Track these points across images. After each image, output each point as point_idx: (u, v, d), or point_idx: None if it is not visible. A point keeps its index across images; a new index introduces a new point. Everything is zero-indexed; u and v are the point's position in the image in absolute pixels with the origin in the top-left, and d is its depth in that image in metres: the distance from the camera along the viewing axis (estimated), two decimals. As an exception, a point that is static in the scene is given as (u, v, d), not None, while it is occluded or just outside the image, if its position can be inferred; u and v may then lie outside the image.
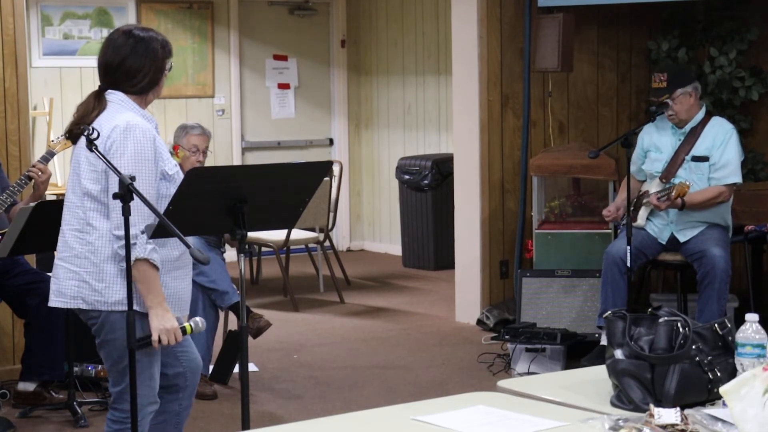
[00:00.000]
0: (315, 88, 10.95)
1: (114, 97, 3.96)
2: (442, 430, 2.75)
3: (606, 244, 6.61)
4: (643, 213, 6.40)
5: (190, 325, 3.86)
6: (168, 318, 3.84)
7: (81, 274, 3.91)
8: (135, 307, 3.81)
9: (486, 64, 7.59)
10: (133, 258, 3.76)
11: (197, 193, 3.80)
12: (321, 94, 11.00)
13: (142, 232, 3.73)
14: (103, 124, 3.89)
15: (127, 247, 3.74)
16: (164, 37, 4.06)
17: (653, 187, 6.40)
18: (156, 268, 3.82)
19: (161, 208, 3.80)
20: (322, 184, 7.51)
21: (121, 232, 3.74)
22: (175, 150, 4.07)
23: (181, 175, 3.95)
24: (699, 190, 6.30)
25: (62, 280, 3.95)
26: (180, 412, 4.14)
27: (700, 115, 6.39)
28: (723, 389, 2.58)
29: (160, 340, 3.84)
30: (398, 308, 8.47)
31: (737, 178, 6.32)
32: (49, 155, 5.76)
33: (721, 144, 6.29)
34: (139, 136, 3.84)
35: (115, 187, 3.75)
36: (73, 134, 3.98)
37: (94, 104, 3.96)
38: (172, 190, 3.89)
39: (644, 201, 6.39)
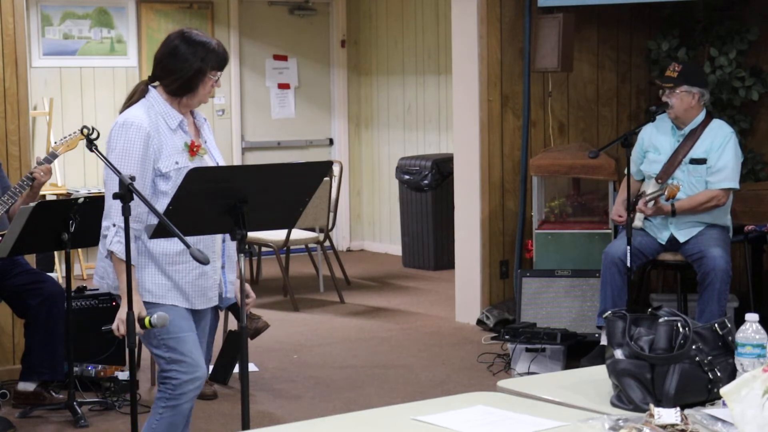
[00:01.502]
0: (315, 88, 10.95)
1: (150, 92, 4.05)
2: (442, 430, 2.75)
3: (606, 244, 6.61)
4: (640, 214, 6.39)
5: (149, 318, 3.91)
6: (124, 310, 3.91)
7: (102, 256, 4.06)
8: (183, 304, 3.97)
9: (486, 64, 7.59)
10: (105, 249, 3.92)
11: (197, 193, 3.80)
12: (321, 94, 11.00)
13: (114, 225, 3.86)
14: (122, 115, 4.00)
15: (127, 245, 3.78)
16: (218, 48, 4.07)
17: (650, 187, 6.40)
18: (122, 260, 3.89)
19: (157, 204, 3.84)
20: (322, 184, 7.51)
21: (106, 222, 3.90)
22: (191, 145, 4.07)
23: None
24: (691, 195, 6.29)
25: (97, 261, 4.13)
26: (192, 406, 4.23)
27: (701, 117, 6.39)
28: (723, 390, 2.58)
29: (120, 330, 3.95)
30: (398, 308, 8.47)
31: (733, 184, 6.29)
32: (52, 157, 5.76)
33: (719, 147, 6.28)
34: (132, 133, 3.92)
35: (112, 184, 3.84)
36: None
37: (135, 93, 4.07)
38: (170, 187, 3.92)
39: (639, 203, 6.39)
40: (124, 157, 3.90)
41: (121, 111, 4.06)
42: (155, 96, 4.04)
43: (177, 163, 3.98)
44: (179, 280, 4.00)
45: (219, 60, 4.05)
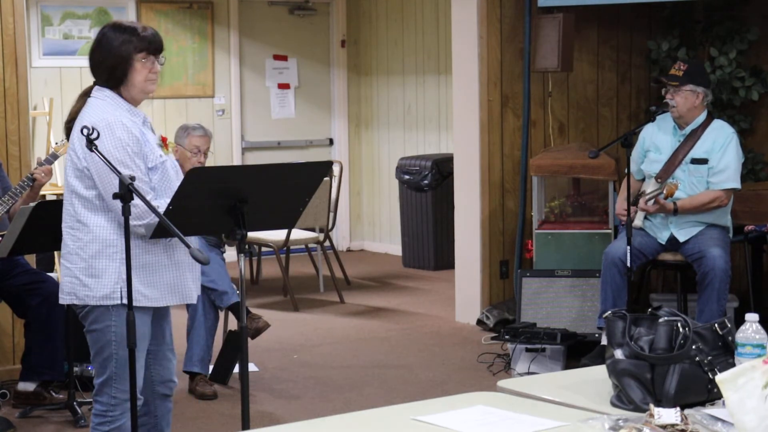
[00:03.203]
0: (315, 88, 10.95)
1: (95, 93, 3.97)
2: (442, 430, 2.75)
3: (606, 244, 6.61)
4: (640, 213, 6.39)
5: None
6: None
7: (73, 270, 3.96)
8: (144, 303, 3.89)
9: (486, 64, 7.59)
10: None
11: (197, 193, 3.80)
12: (321, 94, 11.00)
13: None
14: (80, 120, 3.92)
15: (127, 245, 3.76)
16: (145, 32, 3.96)
17: (650, 187, 6.40)
18: None
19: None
20: (322, 184, 7.51)
21: (142, 222, 3.81)
22: (163, 141, 4.05)
23: (168, 165, 3.96)
24: (693, 195, 6.29)
25: (63, 277, 4.01)
26: (170, 411, 4.21)
27: (702, 117, 6.39)
28: (719, 378, 2.57)
29: None
30: (398, 308, 8.47)
31: (735, 184, 6.29)
32: (53, 158, 5.77)
33: (721, 148, 6.28)
34: (119, 132, 3.85)
35: (110, 186, 3.80)
36: (67, 130, 4.03)
37: (79, 99, 3.99)
38: (157, 179, 3.92)
39: (640, 202, 6.39)
40: (123, 156, 3.84)
41: (68, 120, 3.97)
42: (109, 95, 3.94)
43: (161, 156, 3.96)
44: (170, 274, 3.97)
45: (145, 42, 3.93)
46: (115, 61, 3.92)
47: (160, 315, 4.08)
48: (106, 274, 3.88)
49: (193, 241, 4.00)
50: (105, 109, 3.90)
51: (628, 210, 6.18)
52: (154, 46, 3.95)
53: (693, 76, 6.32)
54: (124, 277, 3.85)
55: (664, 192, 6.15)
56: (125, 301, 3.86)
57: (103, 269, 3.89)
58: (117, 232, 3.87)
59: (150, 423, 4.14)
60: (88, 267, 3.92)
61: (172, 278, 3.97)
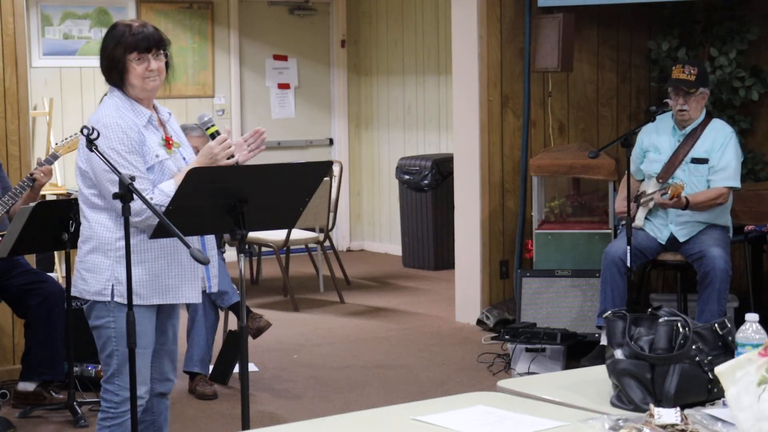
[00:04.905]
0: (315, 88, 10.95)
1: (108, 93, 4.05)
2: (442, 430, 2.75)
3: (606, 244, 6.61)
4: (641, 214, 6.39)
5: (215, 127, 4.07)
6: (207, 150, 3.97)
7: (78, 264, 4.03)
8: (135, 301, 3.87)
9: (486, 64, 7.59)
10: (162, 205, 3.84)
11: (197, 193, 3.80)
12: (321, 94, 11.00)
13: (151, 198, 3.84)
14: (93, 117, 4.00)
15: (128, 246, 3.76)
16: (136, 29, 3.97)
17: (650, 187, 6.40)
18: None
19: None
20: (322, 184, 7.51)
21: (139, 218, 3.83)
22: (167, 141, 4.06)
23: (169, 164, 3.97)
24: (701, 190, 6.29)
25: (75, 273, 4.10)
26: (167, 408, 4.24)
27: (701, 116, 6.40)
28: (718, 370, 2.56)
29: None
30: (398, 308, 8.47)
31: (735, 182, 6.30)
32: (53, 158, 5.77)
33: (721, 147, 6.29)
34: (111, 133, 3.89)
35: (107, 184, 3.85)
36: None
37: (100, 100, 4.08)
38: (153, 179, 3.93)
39: (641, 201, 6.38)
40: (115, 156, 3.86)
41: None
42: (118, 95, 3.99)
43: (157, 156, 3.97)
44: (165, 273, 3.97)
45: (134, 41, 3.94)
46: (110, 63, 3.99)
47: (164, 314, 4.11)
48: (99, 270, 3.94)
49: (194, 240, 4.01)
50: (106, 111, 3.95)
51: (628, 210, 6.18)
52: (144, 45, 3.96)
53: (702, 79, 6.34)
54: (117, 275, 3.91)
55: (669, 192, 6.14)
56: (117, 298, 3.92)
57: (98, 265, 3.94)
58: (114, 230, 3.91)
59: (148, 420, 4.16)
60: (85, 261, 3.99)
61: (166, 278, 3.98)
